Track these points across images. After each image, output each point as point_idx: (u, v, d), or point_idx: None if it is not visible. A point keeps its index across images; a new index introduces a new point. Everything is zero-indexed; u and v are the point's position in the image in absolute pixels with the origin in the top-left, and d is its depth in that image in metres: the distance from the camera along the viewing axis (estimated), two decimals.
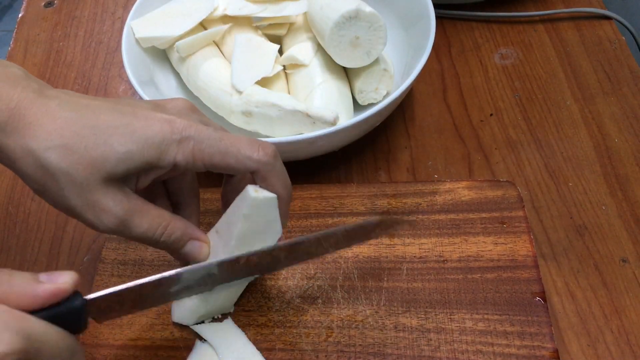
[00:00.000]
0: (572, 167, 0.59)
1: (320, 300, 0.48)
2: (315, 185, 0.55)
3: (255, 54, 0.60)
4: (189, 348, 0.46)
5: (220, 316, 0.48)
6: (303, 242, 0.44)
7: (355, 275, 0.49)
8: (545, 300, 0.46)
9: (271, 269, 0.46)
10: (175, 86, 0.66)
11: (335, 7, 0.56)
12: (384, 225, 0.47)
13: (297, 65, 0.61)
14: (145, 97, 0.57)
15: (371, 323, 0.46)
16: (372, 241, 0.51)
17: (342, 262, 0.50)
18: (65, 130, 0.38)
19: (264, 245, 0.43)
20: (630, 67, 0.67)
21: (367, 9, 0.56)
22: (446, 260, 0.49)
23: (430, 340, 0.45)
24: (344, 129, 0.53)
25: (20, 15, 0.83)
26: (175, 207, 0.47)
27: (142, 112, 0.40)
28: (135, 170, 0.40)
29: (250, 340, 0.46)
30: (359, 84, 0.61)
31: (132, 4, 0.66)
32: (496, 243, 0.50)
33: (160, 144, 0.39)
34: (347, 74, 0.63)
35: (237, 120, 0.59)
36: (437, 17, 0.61)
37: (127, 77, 0.59)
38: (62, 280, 0.36)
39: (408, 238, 0.51)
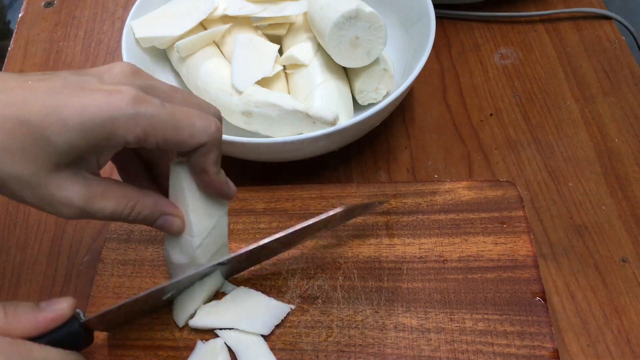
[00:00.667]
0: (572, 167, 0.59)
1: (320, 300, 0.48)
2: (315, 185, 0.55)
3: (255, 54, 0.60)
4: (189, 348, 0.46)
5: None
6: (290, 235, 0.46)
7: (355, 275, 0.49)
8: (545, 300, 0.46)
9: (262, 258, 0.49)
10: (175, 86, 0.66)
11: (335, 7, 0.56)
12: (352, 212, 0.50)
13: (297, 65, 0.61)
14: None
15: (371, 323, 0.46)
16: (372, 241, 0.51)
17: (342, 262, 0.50)
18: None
19: (222, 208, 0.45)
20: (630, 67, 0.67)
21: (367, 9, 0.56)
22: (446, 260, 0.49)
23: (430, 340, 0.45)
24: (344, 129, 0.53)
25: (20, 15, 0.83)
26: (151, 171, 0.46)
27: (79, 86, 0.37)
28: (85, 155, 0.38)
29: None
30: (359, 84, 0.61)
31: (132, 4, 0.66)
32: (496, 243, 0.49)
33: (102, 125, 0.36)
34: (347, 74, 0.63)
35: (237, 120, 0.59)
36: (437, 17, 0.61)
37: None
38: (60, 307, 0.38)
39: (408, 238, 0.51)
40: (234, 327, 0.46)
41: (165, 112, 0.38)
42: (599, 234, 0.54)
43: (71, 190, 0.38)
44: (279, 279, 0.50)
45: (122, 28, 0.64)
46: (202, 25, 0.64)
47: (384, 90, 0.61)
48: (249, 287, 0.49)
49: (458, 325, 0.45)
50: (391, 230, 0.51)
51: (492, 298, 0.47)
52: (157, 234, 0.53)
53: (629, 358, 0.47)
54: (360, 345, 0.45)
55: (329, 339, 0.46)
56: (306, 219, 0.53)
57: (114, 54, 0.76)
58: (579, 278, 0.52)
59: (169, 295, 0.46)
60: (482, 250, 0.49)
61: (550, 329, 0.45)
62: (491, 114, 0.65)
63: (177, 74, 0.66)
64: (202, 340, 0.46)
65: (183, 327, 0.47)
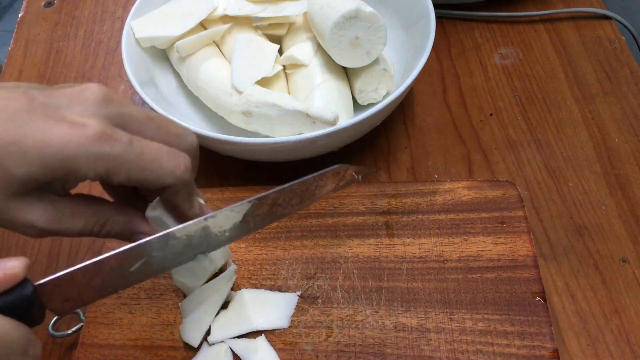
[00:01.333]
0: (572, 167, 0.59)
1: (320, 300, 0.48)
2: None
3: (255, 54, 0.60)
4: (189, 348, 0.46)
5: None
6: (267, 197, 0.42)
7: (355, 275, 0.49)
8: (545, 300, 0.46)
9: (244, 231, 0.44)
10: (175, 86, 0.66)
11: (335, 7, 0.56)
12: (344, 174, 0.47)
13: (297, 65, 0.61)
14: (146, 97, 0.57)
15: (371, 323, 0.46)
16: (372, 241, 0.51)
17: (342, 262, 0.50)
18: None
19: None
20: (630, 67, 0.67)
21: (367, 9, 0.56)
22: (446, 260, 0.49)
23: (430, 340, 0.45)
24: (344, 129, 0.53)
25: (20, 15, 0.83)
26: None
27: (43, 113, 0.35)
28: (45, 184, 0.36)
29: None
30: (359, 84, 0.61)
31: (132, 4, 0.66)
32: (496, 243, 0.49)
33: (62, 162, 0.34)
34: (347, 74, 0.63)
35: (237, 120, 0.59)
36: (437, 17, 0.61)
37: (127, 77, 0.59)
38: (11, 265, 0.34)
39: (408, 238, 0.51)
40: (254, 330, 0.46)
41: (131, 152, 0.36)
42: (599, 234, 0.54)
43: (34, 214, 0.36)
44: (279, 279, 0.50)
45: (122, 28, 0.64)
46: (202, 25, 0.64)
47: (384, 90, 0.61)
48: (250, 288, 0.49)
49: (458, 325, 0.45)
50: (391, 230, 0.51)
51: (492, 298, 0.47)
52: None
53: (629, 358, 0.47)
54: (360, 345, 0.45)
55: (329, 339, 0.46)
56: (306, 219, 0.53)
57: (114, 54, 0.76)
58: (579, 278, 0.52)
59: (137, 265, 0.40)
60: (482, 250, 0.49)
61: (550, 329, 0.44)
62: (491, 114, 0.65)
63: (177, 74, 0.66)
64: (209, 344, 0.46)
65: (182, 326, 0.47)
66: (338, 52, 0.58)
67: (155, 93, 0.61)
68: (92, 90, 0.37)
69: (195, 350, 0.46)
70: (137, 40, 0.63)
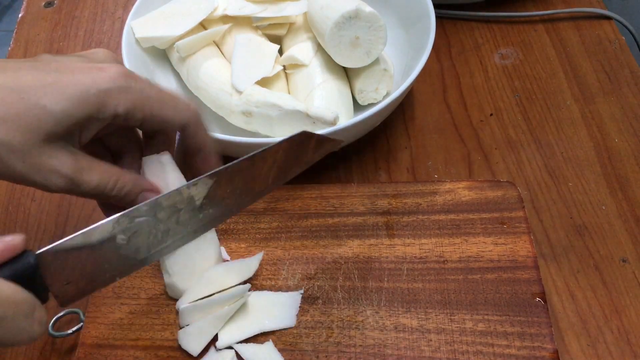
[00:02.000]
0: (572, 167, 0.59)
1: (320, 301, 0.48)
2: (315, 185, 0.55)
3: (255, 54, 0.60)
4: None
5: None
6: (240, 163, 0.43)
7: (356, 276, 0.49)
8: (545, 301, 0.46)
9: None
10: (175, 86, 0.66)
11: (335, 7, 0.56)
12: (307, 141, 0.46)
13: (297, 65, 0.61)
14: None
15: (371, 323, 0.46)
16: (373, 241, 0.51)
17: (343, 263, 0.50)
18: None
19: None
20: (630, 67, 0.67)
21: (367, 9, 0.56)
22: (446, 260, 0.49)
23: (431, 340, 0.45)
24: (344, 129, 0.53)
25: (20, 15, 0.83)
26: (115, 156, 0.46)
27: (67, 66, 0.39)
28: (75, 127, 0.39)
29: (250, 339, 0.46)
30: (359, 84, 0.61)
31: (132, 4, 0.66)
32: (496, 243, 0.50)
33: (97, 95, 0.38)
34: (347, 74, 0.63)
35: (237, 120, 0.59)
36: (437, 17, 0.61)
37: None
38: (10, 238, 0.36)
39: (408, 238, 0.51)
40: (261, 331, 0.46)
41: (152, 89, 0.40)
42: (599, 234, 0.54)
43: (61, 160, 0.38)
44: (279, 279, 0.50)
45: (122, 28, 0.64)
46: (202, 25, 0.64)
47: (384, 90, 0.61)
48: (252, 291, 0.49)
49: (458, 326, 0.45)
50: (391, 231, 0.51)
51: (493, 299, 0.47)
52: None
53: (629, 358, 0.47)
54: (361, 345, 0.45)
55: (329, 339, 0.46)
56: (307, 219, 0.53)
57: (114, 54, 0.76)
58: (579, 278, 0.52)
59: (126, 236, 0.40)
60: (483, 251, 0.49)
61: (550, 330, 0.45)
62: (491, 114, 0.65)
63: (177, 74, 0.66)
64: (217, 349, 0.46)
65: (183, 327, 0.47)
66: (338, 52, 0.58)
67: None
68: (102, 50, 0.42)
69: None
70: (137, 40, 0.63)
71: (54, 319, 0.50)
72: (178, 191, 0.41)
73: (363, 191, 0.54)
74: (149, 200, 0.40)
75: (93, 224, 0.42)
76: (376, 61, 0.60)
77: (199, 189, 0.42)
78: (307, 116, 0.54)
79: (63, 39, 0.79)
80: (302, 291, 0.48)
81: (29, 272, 0.37)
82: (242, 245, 0.52)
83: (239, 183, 0.44)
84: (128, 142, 0.46)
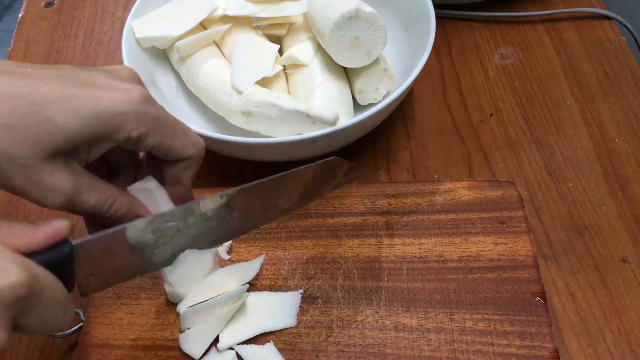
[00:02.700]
0: (572, 167, 0.59)
1: (320, 300, 0.48)
2: None
3: (255, 54, 0.60)
4: None
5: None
6: (260, 184, 0.44)
7: (356, 275, 0.49)
8: (545, 300, 0.46)
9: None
10: (175, 86, 0.66)
11: (335, 7, 0.56)
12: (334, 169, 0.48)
13: (297, 65, 0.61)
14: None
15: (371, 323, 0.46)
16: (372, 241, 0.51)
17: (342, 262, 0.50)
18: (2, 107, 0.35)
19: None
20: (630, 67, 0.67)
21: (367, 9, 0.56)
22: (446, 260, 0.49)
23: (430, 340, 0.45)
24: (344, 129, 0.53)
25: (20, 15, 0.83)
26: (111, 172, 0.46)
27: (88, 80, 0.38)
28: (84, 145, 0.38)
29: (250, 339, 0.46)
30: (359, 84, 0.61)
31: (132, 4, 0.66)
32: (496, 243, 0.50)
33: (113, 117, 0.37)
34: (347, 74, 0.63)
35: (237, 120, 0.59)
36: (437, 17, 0.61)
37: None
38: (59, 223, 0.37)
39: (408, 238, 0.51)
40: (262, 332, 0.46)
41: (168, 118, 0.40)
42: (599, 234, 0.54)
43: (62, 178, 0.38)
44: (279, 279, 0.50)
45: (122, 28, 0.64)
46: (202, 25, 0.64)
47: (384, 90, 0.61)
48: (252, 291, 0.49)
49: (458, 325, 0.45)
50: (391, 230, 0.51)
51: (492, 298, 0.47)
52: None
53: (629, 358, 0.47)
54: (361, 345, 0.45)
55: (329, 339, 0.46)
56: (306, 219, 0.53)
57: (114, 54, 0.76)
58: (579, 278, 0.52)
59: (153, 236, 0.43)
60: (482, 250, 0.49)
61: (550, 329, 0.45)
62: (491, 114, 0.65)
63: (177, 74, 0.66)
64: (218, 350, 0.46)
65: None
66: (338, 52, 0.58)
67: (155, 93, 0.61)
68: (126, 68, 0.41)
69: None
70: (137, 40, 0.63)
71: None
72: (211, 199, 0.43)
73: (363, 191, 0.54)
74: (183, 205, 0.42)
75: (93, 223, 0.43)
76: (376, 61, 0.60)
77: (231, 201, 0.44)
78: (307, 116, 0.54)
79: (63, 39, 0.79)
80: (301, 291, 0.48)
81: (63, 262, 0.37)
82: (242, 245, 0.52)
83: (267, 199, 0.46)
84: (127, 161, 0.46)
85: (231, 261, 0.51)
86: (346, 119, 0.57)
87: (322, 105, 0.57)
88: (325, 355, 0.45)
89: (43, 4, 0.84)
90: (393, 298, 0.47)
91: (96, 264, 0.40)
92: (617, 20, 0.72)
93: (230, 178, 0.62)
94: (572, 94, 0.65)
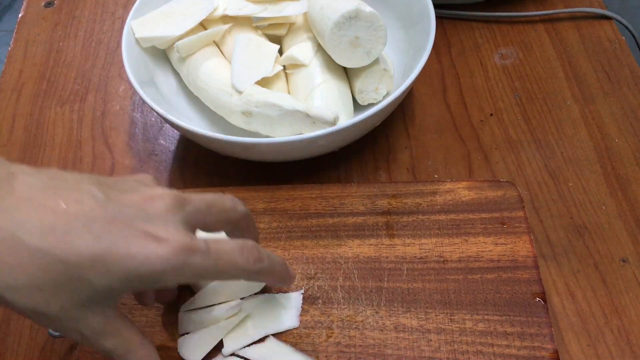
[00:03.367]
0: (572, 167, 0.59)
1: (320, 301, 0.48)
2: (315, 185, 0.55)
3: (255, 54, 0.60)
4: None
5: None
6: None
7: (356, 276, 0.49)
8: (545, 301, 0.46)
9: None
10: (175, 86, 0.66)
11: (335, 7, 0.56)
12: None
13: (297, 65, 0.61)
14: (146, 97, 0.57)
15: (371, 323, 0.46)
16: (372, 241, 0.51)
17: (343, 263, 0.50)
18: (29, 264, 0.33)
19: None
20: (630, 67, 0.67)
21: (367, 9, 0.56)
22: (446, 260, 0.49)
23: (431, 340, 0.45)
24: (344, 129, 0.53)
25: (20, 15, 0.83)
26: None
27: (117, 230, 0.35)
28: (117, 297, 0.37)
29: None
30: (359, 84, 0.60)
31: (132, 4, 0.66)
32: (496, 243, 0.50)
33: (148, 276, 0.35)
34: (347, 74, 0.63)
35: (237, 120, 0.59)
36: (437, 17, 0.61)
37: (127, 77, 0.59)
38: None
39: (408, 238, 0.51)
40: (266, 335, 0.46)
41: (209, 259, 0.37)
42: (599, 234, 0.54)
43: (88, 324, 0.36)
44: None
45: (122, 28, 0.64)
46: (202, 25, 0.64)
47: (384, 90, 0.61)
48: (251, 297, 0.49)
49: (458, 326, 0.45)
50: (391, 231, 0.51)
51: (493, 299, 0.47)
52: None
53: (629, 358, 0.47)
54: (361, 346, 0.45)
55: (329, 339, 0.46)
56: (307, 219, 0.53)
57: (114, 54, 0.76)
58: (579, 278, 0.52)
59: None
60: (482, 251, 0.49)
61: (550, 330, 0.45)
62: (491, 114, 0.65)
63: (177, 74, 0.66)
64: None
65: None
66: (338, 52, 0.58)
67: (155, 93, 0.61)
68: (161, 197, 0.38)
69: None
70: (137, 40, 0.63)
71: None
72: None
73: (363, 191, 0.54)
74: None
75: None
76: (376, 61, 0.60)
77: None
78: (307, 116, 0.54)
79: (63, 39, 0.79)
80: (302, 291, 0.48)
81: None
82: None
83: None
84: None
85: None
86: (346, 119, 0.57)
87: (322, 105, 0.57)
88: (326, 356, 0.45)
89: (43, 4, 0.84)
90: (393, 298, 0.47)
91: None
92: (617, 20, 0.72)
93: (230, 178, 0.62)
94: (572, 94, 0.65)
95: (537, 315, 0.45)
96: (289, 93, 0.61)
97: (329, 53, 0.59)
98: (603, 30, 0.71)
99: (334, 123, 0.54)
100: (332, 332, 0.46)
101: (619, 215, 0.55)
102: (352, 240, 0.51)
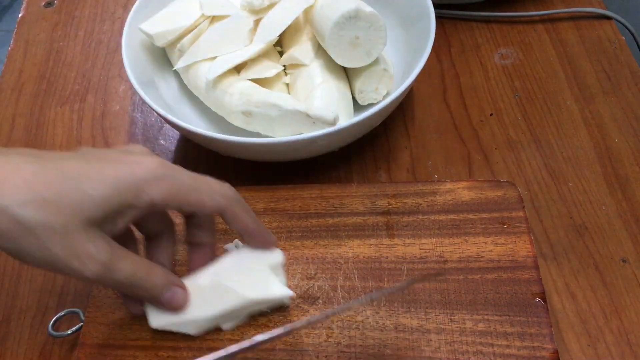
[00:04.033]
0: (572, 167, 0.59)
1: (320, 301, 0.48)
2: (315, 185, 0.55)
3: (228, 33, 0.61)
4: (190, 348, 0.46)
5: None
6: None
7: (356, 276, 0.49)
8: (545, 301, 0.46)
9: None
10: (175, 87, 0.66)
11: (335, 7, 0.56)
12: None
13: (297, 65, 0.61)
14: (146, 98, 0.57)
15: (371, 324, 0.46)
16: (372, 241, 0.51)
17: (343, 263, 0.50)
18: (33, 182, 0.37)
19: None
20: (630, 67, 0.67)
21: (367, 9, 0.56)
22: (446, 260, 0.49)
23: (431, 340, 0.45)
24: (344, 129, 0.53)
25: (20, 15, 0.83)
26: (150, 241, 0.47)
27: (108, 157, 0.41)
28: (112, 214, 0.40)
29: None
30: (359, 84, 0.61)
31: (132, 4, 0.66)
32: (496, 243, 0.50)
33: (135, 183, 0.40)
34: (347, 74, 0.63)
35: (237, 120, 0.59)
36: (437, 17, 0.61)
37: (127, 77, 0.59)
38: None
39: (408, 238, 0.51)
40: (245, 301, 0.45)
41: (187, 176, 0.42)
42: (599, 234, 0.54)
43: (98, 246, 0.39)
44: None
45: (122, 28, 0.63)
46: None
47: (384, 90, 0.61)
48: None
49: (458, 326, 0.45)
50: (391, 231, 0.51)
51: (492, 299, 0.47)
52: None
53: (629, 358, 0.47)
54: (361, 346, 0.45)
55: (329, 339, 0.46)
56: (307, 219, 0.53)
57: (114, 54, 0.76)
58: (579, 278, 0.52)
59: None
60: (482, 251, 0.49)
61: (550, 330, 0.45)
62: (491, 114, 0.65)
63: (177, 74, 0.66)
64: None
65: None
66: (338, 52, 0.58)
67: (155, 93, 0.61)
68: (138, 146, 0.44)
69: (196, 350, 0.46)
70: (152, 38, 0.62)
71: (54, 319, 0.50)
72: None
73: (363, 191, 0.54)
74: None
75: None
76: (376, 61, 0.60)
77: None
78: (307, 116, 0.54)
79: (63, 39, 0.79)
80: (293, 294, 0.47)
81: None
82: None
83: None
84: (162, 227, 0.47)
85: None
86: (346, 119, 0.57)
87: (322, 105, 0.57)
88: (326, 356, 0.45)
89: (43, 4, 0.84)
90: (393, 298, 0.47)
91: None
92: (617, 20, 0.72)
93: (230, 178, 0.62)
94: (572, 94, 0.66)
95: (537, 315, 0.45)
96: (289, 93, 0.61)
97: (329, 53, 0.59)
98: (603, 30, 0.71)
99: (333, 123, 0.54)
100: (332, 332, 0.46)
101: (619, 215, 0.55)
102: (352, 241, 0.51)
